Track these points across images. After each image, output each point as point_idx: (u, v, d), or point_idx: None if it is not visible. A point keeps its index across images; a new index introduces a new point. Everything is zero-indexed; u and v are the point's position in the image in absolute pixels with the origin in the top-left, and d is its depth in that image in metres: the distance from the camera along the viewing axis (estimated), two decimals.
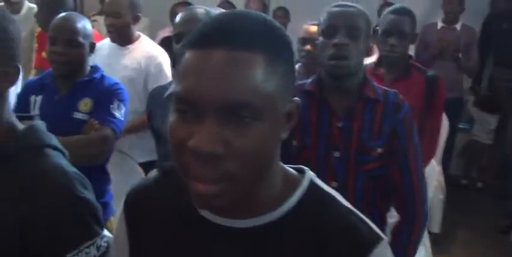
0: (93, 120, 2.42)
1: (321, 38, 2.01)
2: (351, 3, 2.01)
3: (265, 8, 5.91)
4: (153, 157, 3.24)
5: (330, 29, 1.97)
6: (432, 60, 4.83)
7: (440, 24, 5.27)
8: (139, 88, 3.24)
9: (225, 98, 0.82)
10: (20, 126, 1.33)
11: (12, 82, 1.29)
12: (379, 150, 1.98)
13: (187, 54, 0.87)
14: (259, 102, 0.84)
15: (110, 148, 2.47)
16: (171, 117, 0.89)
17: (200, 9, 2.27)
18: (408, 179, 2.02)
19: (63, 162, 1.32)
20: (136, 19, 3.38)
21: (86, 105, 2.47)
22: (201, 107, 0.84)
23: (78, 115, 2.45)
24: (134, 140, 3.26)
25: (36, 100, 2.49)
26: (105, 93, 2.52)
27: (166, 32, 5.35)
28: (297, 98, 0.95)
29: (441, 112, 3.20)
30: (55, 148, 1.34)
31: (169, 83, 2.49)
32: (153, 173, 1.17)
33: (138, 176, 3.10)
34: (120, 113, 2.49)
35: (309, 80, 2.09)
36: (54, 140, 1.36)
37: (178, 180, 1.02)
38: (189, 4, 4.97)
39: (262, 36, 0.87)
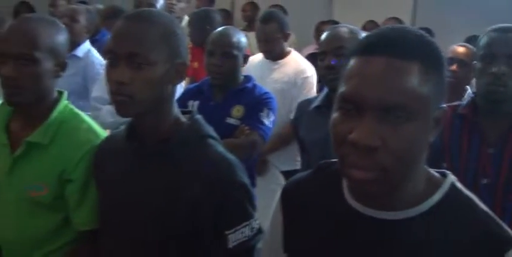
0: (244, 126, 2.60)
1: (478, 63, 1.99)
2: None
3: None
4: (296, 166, 3.37)
5: (488, 56, 1.95)
6: None
7: None
8: (288, 100, 3.38)
9: (383, 98, 0.94)
10: (183, 119, 1.50)
11: (182, 78, 1.47)
12: None
13: (352, 61, 1.00)
14: (413, 104, 0.94)
15: (257, 153, 2.61)
16: (334, 114, 1.00)
17: (343, 28, 2.34)
18: None
19: (224, 150, 1.48)
20: (286, 37, 3.56)
21: (238, 112, 2.66)
22: (362, 106, 0.95)
23: (230, 120, 2.65)
24: None
25: (194, 105, 2.70)
26: (256, 102, 2.69)
27: (311, 49, 5.49)
28: (444, 105, 1.04)
29: None
30: (214, 138, 1.50)
31: (316, 97, 2.59)
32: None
33: (279, 183, 3.22)
34: (268, 120, 2.65)
35: (464, 103, 2.08)
36: (212, 131, 1.53)
37: (332, 175, 1.14)
38: (335, 22, 5.08)
39: (419, 48, 0.98)
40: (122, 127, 1.56)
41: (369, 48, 0.98)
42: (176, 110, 1.49)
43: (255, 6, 6.63)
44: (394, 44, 0.97)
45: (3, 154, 1.73)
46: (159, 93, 1.41)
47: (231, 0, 7.75)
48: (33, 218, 1.71)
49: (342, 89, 0.99)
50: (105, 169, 1.58)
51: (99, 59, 3.71)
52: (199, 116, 1.53)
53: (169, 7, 4.10)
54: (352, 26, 2.45)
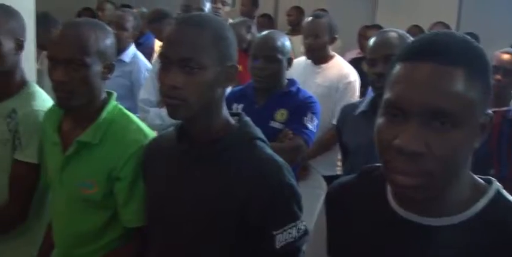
0: (288, 130, 2.60)
1: None
2: None
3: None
4: (336, 171, 3.37)
5: None
6: None
7: None
8: (330, 104, 3.37)
9: (429, 104, 0.94)
10: (233, 121, 1.53)
11: (232, 81, 1.50)
12: None
13: (398, 66, 1.01)
14: (458, 110, 0.94)
15: (301, 157, 2.61)
16: (379, 120, 1.01)
17: (393, 34, 2.31)
18: None
19: (272, 152, 1.50)
20: (332, 40, 3.56)
21: (281, 116, 2.66)
22: (408, 111, 0.96)
23: (274, 124, 2.65)
24: None
25: (238, 108, 2.71)
26: (299, 106, 2.69)
27: (354, 53, 5.48)
28: (490, 112, 1.03)
29: None
30: (263, 141, 1.53)
31: (360, 101, 2.58)
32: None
33: (321, 188, 3.23)
34: (312, 124, 2.64)
35: None
36: (261, 133, 1.55)
37: (376, 179, 1.15)
38: (380, 28, 5.05)
39: (465, 54, 0.98)
40: (170, 129, 1.59)
41: (414, 54, 0.99)
42: (225, 112, 1.52)
43: (300, 11, 6.65)
44: (440, 50, 0.97)
45: (55, 153, 1.80)
46: (210, 96, 1.44)
47: (274, 5, 7.79)
48: (84, 215, 1.77)
49: (387, 94, 1.00)
50: (154, 168, 1.62)
51: (145, 64, 3.78)
52: (248, 119, 1.56)
53: (214, 11, 4.14)
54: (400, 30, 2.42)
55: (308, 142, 2.63)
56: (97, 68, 1.71)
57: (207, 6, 3.50)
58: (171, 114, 1.44)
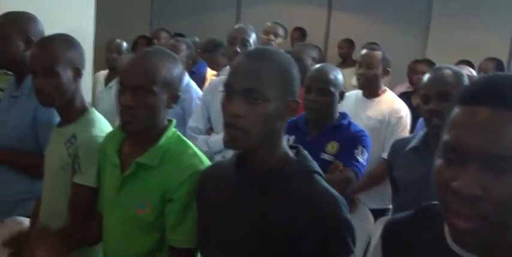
0: (338, 162, 2.62)
1: None
2: None
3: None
4: (385, 205, 3.35)
5: None
6: None
7: None
8: (380, 138, 3.38)
9: (486, 150, 0.95)
10: (291, 154, 1.55)
11: (292, 115, 1.52)
12: None
13: (456, 109, 1.02)
14: None
15: (350, 189, 2.62)
16: (438, 161, 1.02)
17: (447, 71, 2.32)
18: None
19: (328, 186, 1.51)
20: (385, 73, 3.58)
21: (332, 148, 2.68)
22: (465, 155, 0.97)
23: (325, 156, 2.67)
24: None
25: (290, 139, 2.74)
26: (350, 139, 2.71)
27: (404, 87, 5.47)
28: None
29: None
30: (319, 174, 1.54)
31: (412, 137, 2.59)
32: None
33: (368, 222, 3.20)
34: (362, 158, 2.66)
35: None
36: (318, 167, 1.56)
37: (433, 217, 1.15)
38: (430, 62, 5.05)
39: None
40: (216, 157, 1.60)
41: (472, 98, 1.00)
42: (285, 144, 1.54)
43: (351, 44, 6.69)
44: (499, 94, 0.98)
45: (114, 174, 1.87)
46: (270, 129, 1.47)
47: (324, 37, 7.84)
48: (137, 236, 1.83)
49: (446, 137, 1.01)
50: (210, 194, 1.64)
51: (197, 92, 3.85)
52: (306, 152, 1.57)
53: (266, 42, 4.19)
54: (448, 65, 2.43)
55: (358, 175, 2.64)
56: (163, 96, 1.78)
57: (253, 38, 3.54)
58: (230, 145, 1.47)
